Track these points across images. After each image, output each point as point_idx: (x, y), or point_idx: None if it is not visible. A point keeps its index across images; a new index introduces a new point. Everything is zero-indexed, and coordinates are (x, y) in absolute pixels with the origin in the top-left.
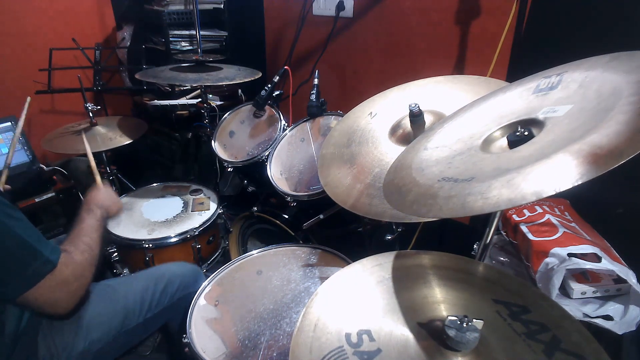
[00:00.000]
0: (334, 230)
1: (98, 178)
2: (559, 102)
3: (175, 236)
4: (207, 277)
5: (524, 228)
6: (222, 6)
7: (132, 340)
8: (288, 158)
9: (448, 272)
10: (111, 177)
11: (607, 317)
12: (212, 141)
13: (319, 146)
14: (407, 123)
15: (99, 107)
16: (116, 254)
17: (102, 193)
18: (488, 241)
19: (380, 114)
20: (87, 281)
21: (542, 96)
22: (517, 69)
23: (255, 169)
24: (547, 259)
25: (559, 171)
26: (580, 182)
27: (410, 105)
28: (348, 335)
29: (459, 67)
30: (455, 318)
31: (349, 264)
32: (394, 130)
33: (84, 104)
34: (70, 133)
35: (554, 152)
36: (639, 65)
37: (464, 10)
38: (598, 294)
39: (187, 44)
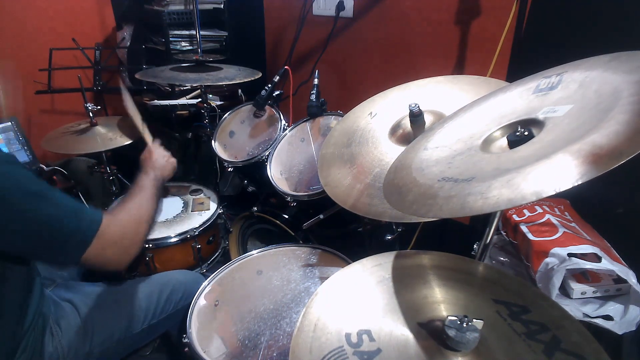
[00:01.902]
0: (334, 230)
1: (148, 138)
2: (559, 102)
3: (175, 236)
4: (207, 277)
5: (524, 228)
6: (222, 6)
7: (135, 344)
8: (288, 158)
9: (448, 272)
10: (111, 177)
11: (607, 317)
12: (212, 141)
13: (319, 146)
14: (407, 123)
15: (99, 107)
16: None
17: (154, 154)
18: (488, 241)
19: (380, 114)
20: (138, 238)
21: (542, 96)
22: (517, 69)
23: (255, 169)
24: (547, 259)
25: (559, 171)
26: (580, 182)
27: (410, 105)
28: (348, 335)
29: (459, 67)
30: (455, 318)
31: (349, 264)
32: (394, 130)
33: (84, 104)
34: (70, 133)
35: (554, 152)
36: (639, 65)
37: (464, 10)
38: (598, 294)
39: (187, 44)
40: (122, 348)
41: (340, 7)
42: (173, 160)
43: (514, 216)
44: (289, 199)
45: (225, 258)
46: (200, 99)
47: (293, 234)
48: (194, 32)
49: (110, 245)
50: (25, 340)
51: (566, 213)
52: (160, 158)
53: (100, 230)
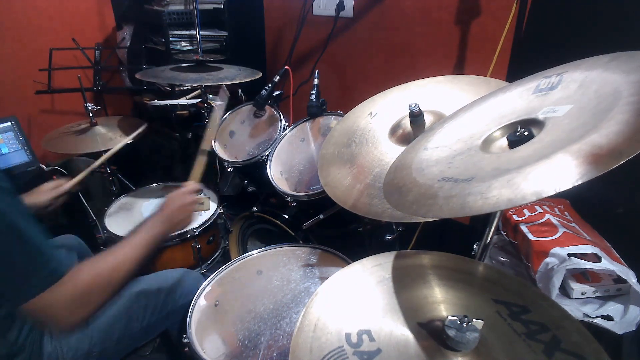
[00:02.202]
0: (334, 230)
1: (197, 173)
2: (559, 102)
3: (175, 236)
4: (207, 277)
5: (524, 228)
6: (222, 6)
7: (134, 344)
8: (288, 158)
9: (448, 272)
10: (111, 177)
11: (607, 317)
12: (212, 141)
13: (319, 146)
14: (407, 123)
15: (99, 107)
16: None
17: (181, 207)
18: (488, 241)
19: (380, 114)
20: (96, 303)
21: (542, 96)
22: (517, 69)
23: (255, 169)
24: (547, 259)
25: (559, 171)
26: (580, 182)
27: (410, 105)
28: (348, 335)
29: (459, 67)
30: (455, 318)
31: (349, 264)
32: (394, 130)
33: (84, 104)
34: (71, 133)
35: (554, 152)
36: (639, 65)
37: (464, 10)
38: (598, 294)
39: (187, 44)
40: (121, 347)
41: (340, 7)
42: (190, 220)
43: (514, 216)
44: (289, 199)
45: (225, 258)
46: (200, 99)
47: (293, 234)
48: (194, 32)
49: (64, 302)
50: (24, 340)
51: (566, 213)
52: (182, 214)
53: (62, 284)
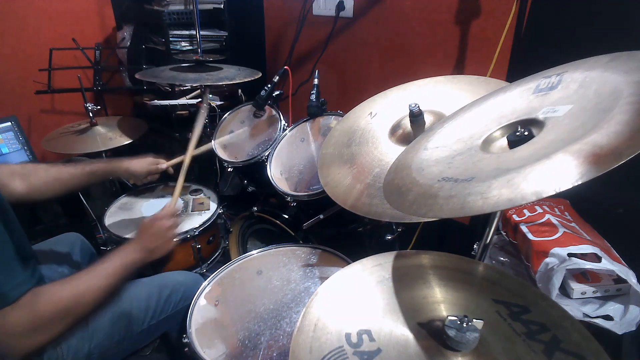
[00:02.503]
0: (334, 230)
1: (175, 197)
2: (559, 102)
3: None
4: (207, 277)
5: (524, 228)
6: (222, 6)
7: (134, 346)
8: (288, 158)
9: (448, 272)
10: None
11: (607, 317)
12: (212, 141)
13: (319, 146)
14: (407, 123)
15: (99, 107)
16: None
17: (156, 231)
18: (488, 241)
19: (380, 114)
20: (56, 330)
21: (542, 96)
22: (517, 69)
23: (255, 169)
24: (547, 259)
25: (559, 171)
26: (580, 182)
27: (410, 105)
28: (348, 335)
29: (459, 67)
30: (455, 318)
31: (349, 264)
32: (394, 130)
33: (84, 104)
34: (71, 133)
35: (554, 152)
36: (639, 65)
37: (464, 10)
38: (598, 294)
39: (187, 44)
40: (121, 349)
41: (340, 7)
42: (170, 245)
43: (514, 216)
44: (289, 199)
45: (225, 258)
46: (200, 99)
47: (293, 234)
48: (194, 32)
49: (10, 329)
50: None
51: (566, 213)
52: (158, 239)
53: (17, 305)
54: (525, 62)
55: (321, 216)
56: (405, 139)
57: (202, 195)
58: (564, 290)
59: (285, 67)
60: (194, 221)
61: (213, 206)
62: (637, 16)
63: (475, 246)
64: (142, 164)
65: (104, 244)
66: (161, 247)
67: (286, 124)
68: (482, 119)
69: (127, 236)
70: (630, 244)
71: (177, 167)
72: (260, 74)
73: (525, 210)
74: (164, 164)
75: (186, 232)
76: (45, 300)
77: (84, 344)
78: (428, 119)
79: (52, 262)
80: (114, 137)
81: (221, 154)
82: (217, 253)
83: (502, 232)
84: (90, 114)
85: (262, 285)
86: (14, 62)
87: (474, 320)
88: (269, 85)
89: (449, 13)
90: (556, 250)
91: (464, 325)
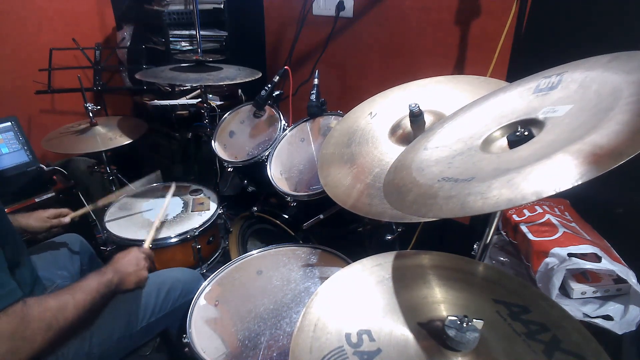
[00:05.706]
0: (334, 230)
1: (149, 238)
2: (559, 102)
3: (175, 236)
4: (207, 277)
5: (524, 228)
6: (222, 6)
7: (135, 344)
8: (288, 158)
9: (448, 272)
10: (111, 177)
11: (607, 317)
12: (212, 141)
13: (319, 146)
14: (407, 123)
15: (99, 107)
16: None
17: (131, 258)
18: (488, 241)
19: (380, 114)
20: (41, 341)
21: (542, 96)
22: (517, 69)
23: (255, 169)
24: (547, 259)
25: (559, 171)
26: (580, 182)
27: (410, 105)
28: (348, 335)
29: (459, 67)
30: (455, 318)
31: (349, 264)
32: (394, 130)
33: (84, 104)
34: (71, 133)
35: (554, 152)
36: (639, 65)
37: (464, 10)
38: (598, 294)
39: (187, 44)
40: (121, 347)
41: (340, 7)
42: (144, 275)
43: (514, 216)
44: (289, 199)
45: (225, 258)
46: (200, 99)
47: (293, 234)
48: (194, 32)
49: (3, 333)
50: None
51: (566, 213)
52: (133, 265)
53: (4, 313)
54: (525, 62)
55: (321, 216)
56: (405, 139)
57: (202, 195)
58: (564, 290)
59: (285, 67)
60: (194, 221)
61: (213, 206)
62: (637, 16)
63: (475, 246)
64: (42, 219)
65: (103, 244)
66: (134, 274)
67: (286, 124)
68: (482, 119)
69: (127, 236)
70: (630, 244)
71: (169, 153)
72: (260, 74)
73: (525, 210)
74: (67, 217)
75: (186, 232)
76: (34, 310)
77: (83, 343)
78: (428, 119)
79: (52, 263)
80: (114, 137)
81: (221, 153)
82: (217, 253)
83: (502, 232)
84: (90, 114)
85: (262, 285)
86: (14, 62)
87: (474, 320)
88: (269, 85)
89: (449, 13)
90: (556, 250)
91: (464, 325)
